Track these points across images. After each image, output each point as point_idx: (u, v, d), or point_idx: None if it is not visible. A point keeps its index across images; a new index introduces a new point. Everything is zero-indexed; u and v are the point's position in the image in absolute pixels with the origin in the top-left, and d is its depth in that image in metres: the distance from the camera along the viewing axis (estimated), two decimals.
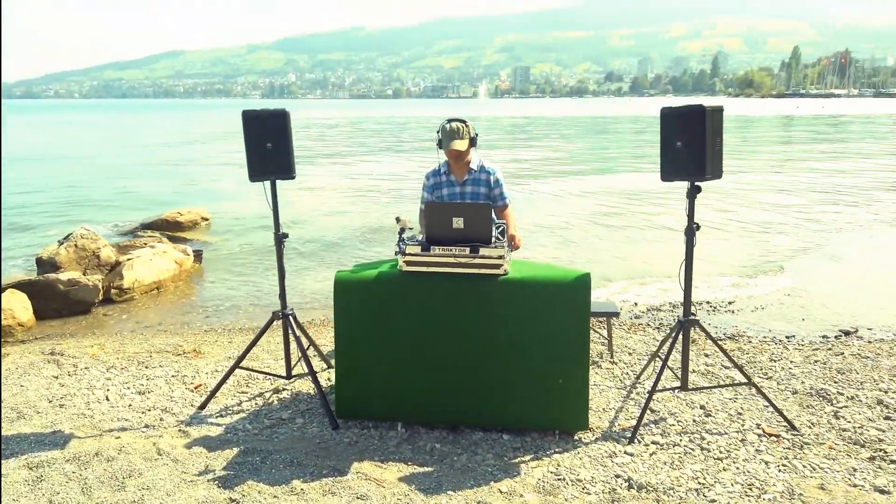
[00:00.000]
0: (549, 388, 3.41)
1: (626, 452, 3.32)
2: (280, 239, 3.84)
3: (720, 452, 3.32)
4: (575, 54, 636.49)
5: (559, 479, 3.06)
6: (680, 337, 3.65)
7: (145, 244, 8.03)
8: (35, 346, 5.23)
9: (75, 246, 6.88)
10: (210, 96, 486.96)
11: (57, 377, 4.42)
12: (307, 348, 4.06)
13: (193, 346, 5.03)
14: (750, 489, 2.97)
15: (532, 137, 36.00)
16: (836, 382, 4.22)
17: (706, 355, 4.72)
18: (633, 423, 3.65)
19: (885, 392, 4.04)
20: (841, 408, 3.82)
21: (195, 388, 4.22)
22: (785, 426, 3.58)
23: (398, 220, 3.42)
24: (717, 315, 6.05)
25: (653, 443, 3.42)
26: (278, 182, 3.77)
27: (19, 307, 5.72)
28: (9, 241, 9.46)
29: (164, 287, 7.02)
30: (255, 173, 3.67)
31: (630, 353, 4.78)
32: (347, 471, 3.12)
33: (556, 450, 3.35)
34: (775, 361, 4.63)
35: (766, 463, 3.21)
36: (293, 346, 4.01)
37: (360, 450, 3.37)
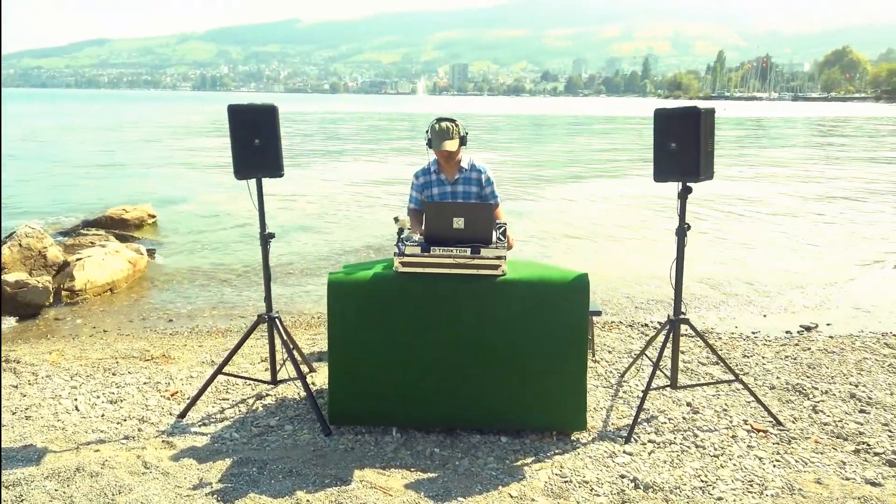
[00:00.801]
0: (548, 388, 3.40)
1: (625, 452, 3.35)
2: (266, 239, 3.68)
3: (715, 449, 3.39)
4: (512, 53, 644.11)
5: (566, 482, 3.05)
6: (670, 335, 3.71)
7: (93, 243, 7.62)
8: None
9: (19, 245, 6.46)
10: (137, 87, 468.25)
11: (17, 387, 4.12)
12: (292, 350, 3.91)
13: (162, 351, 4.79)
14: (751, 486, 3.04)
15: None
16: (808, 377, 4.38)
17: (682, 352, 4.82)
18: (626, 421, 3.69)
19: (856, 386, 4.22)
20: (818, 402, 3.97)
21: (171, 395, 4.02)
22: (770, 421, 3.69)
23: (397, 220, 3.34)
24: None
25: (650, 441, 3.46)
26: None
27: None
28: None
29: (118, 288, 6.67)
30: (241, 170, 3.51)
31: (610, 352, 4.83)
32: (350, 479, 3.02)
33: (556, 451, 3.35)
34: (748, 357, 4.77)
35: (760, 459, 3.30)
36: (280, 349, 3.86)
37: (358, 457, 3.27)
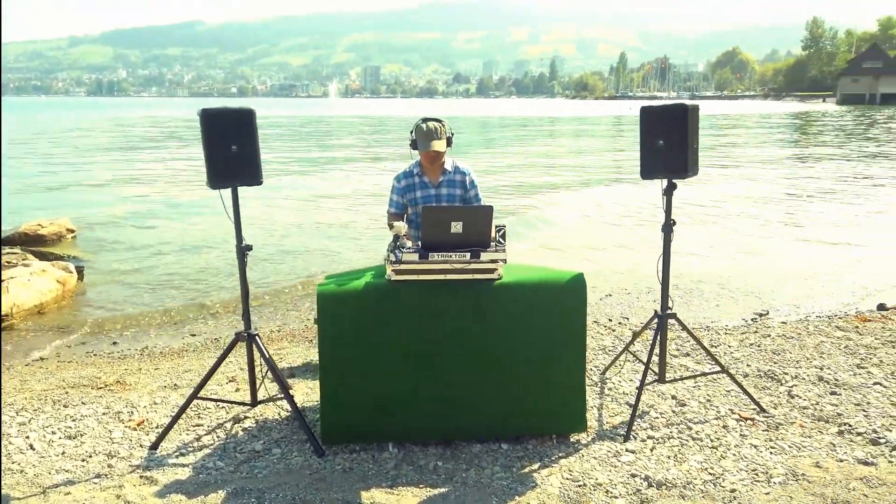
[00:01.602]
0: (549, 391, 3.35)
1: (627, 450, 3.34)
2: (243, 251, 3.44)
3: (711, 441, 3.43)
4: (423, 56, 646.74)
5: (580, 486, 3.00)
6: (656, 330, 3.74)
7: (9, 262, 6.99)
8: None
9: None
10: (25, 93, 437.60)
11: None
12: (267, 372, 3.68)
13: (115, 378, 4.42)
14: (757, 475, 3.09)
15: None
16: (775, 363, 4.54)
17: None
18: (620, 419, 3.69)
19: (821, 369, 4.40)
20: (792, 387, 4.11)
21: (137, 425, 3.70)
22: (755, 409, 3.78)
23: (392, 226, 3.19)
24: (639, 302, 6.32)
25: (648, 437, 3.47)
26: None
27: None
28: None
29: (47, 310, 6.14)
30: (217, 179, 3.26)
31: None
32: (359, 502, 2.86)
33: (560, 455, 3.30)
34: (715, 347, 4.90)
35: (756, 447, 3.36)
36: (263, 367, 3.62)
37: (360, 477, 3.10)
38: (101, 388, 4.27)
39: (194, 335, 5.64)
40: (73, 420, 3.76)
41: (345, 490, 2.96)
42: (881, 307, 5.85)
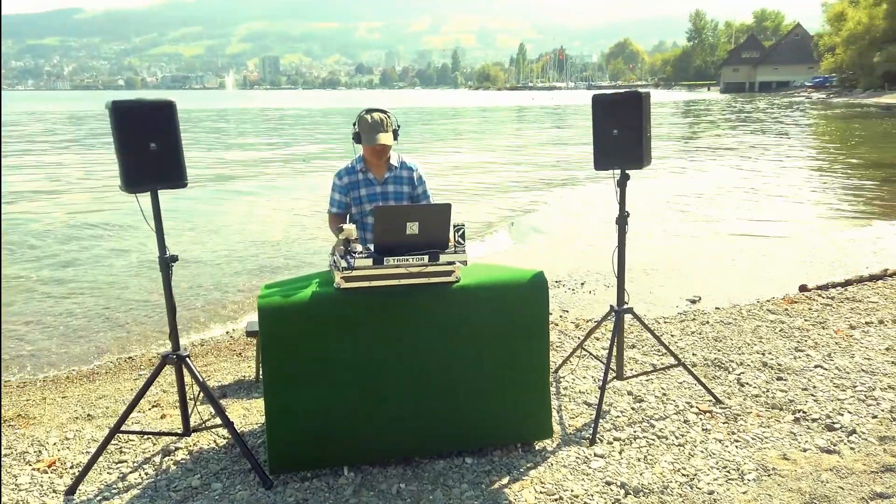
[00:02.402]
0: (513, 397, 3.16)
1: (596, 455, 3.20)
2: (167, 262, 3.03)
3: (676, 438, 3.35)
4: (324, 46, 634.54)
5: (557, 500, 2.83)
6: (613, 326, 3.63)
7: None
8: None
9: None
10: None
11: None
12: (199, 395, 3.29)
13: (15, 411, 3.85)
14: (729, 473, 3.02)
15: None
16: (719, 350, 4.57)
17: (597, 339, 4.82)
18: (581, 420, 3.57)
19: (763, 354, 4.46)
20: (740, 374, 4.12)
21: (48, 466, 3.21)
22: (710, 400, 3.75)
23: (341, 229, 2.88)
24: (575, 295, 6.28)
25: (615, 440, 3.35)
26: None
27: None
28: None
29: None
30: (133, 182, 2.84)
31: None
32: None
33: (528, 465, 3.12)
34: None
35: (721, 441, 3.31)
36: (198, 393, 3.22)
37: None
38: None
39: (104, 352, 5.07)
40: None
41: None
42: (803, 288, 6.06)
